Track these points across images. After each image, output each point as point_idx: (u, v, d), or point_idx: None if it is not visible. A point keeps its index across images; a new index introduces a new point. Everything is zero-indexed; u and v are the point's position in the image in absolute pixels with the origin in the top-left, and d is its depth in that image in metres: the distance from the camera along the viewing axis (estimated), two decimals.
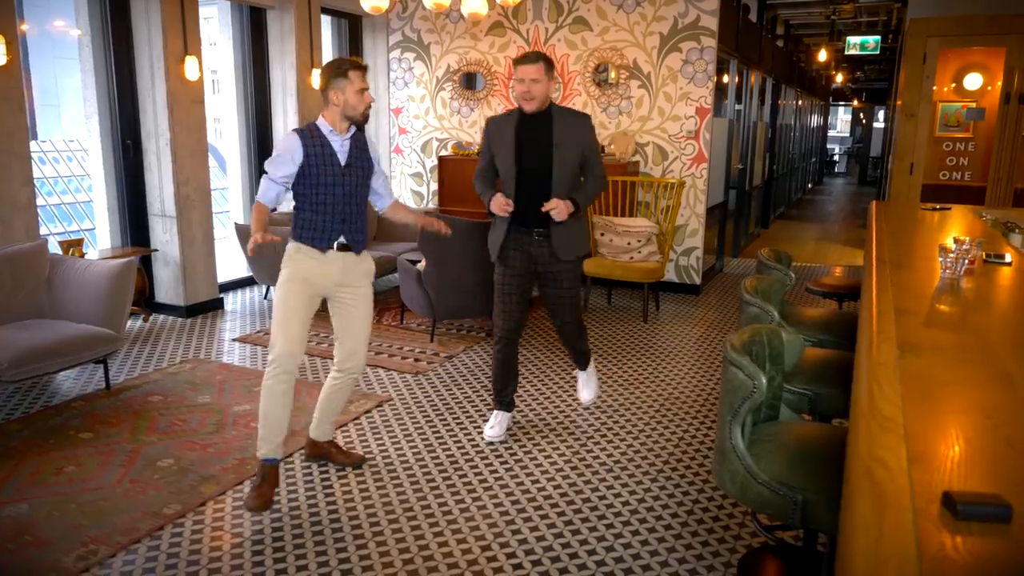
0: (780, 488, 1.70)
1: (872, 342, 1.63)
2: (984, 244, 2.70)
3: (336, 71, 3.07)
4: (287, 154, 3.08)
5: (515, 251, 3.56)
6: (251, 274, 6.61)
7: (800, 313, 3.30)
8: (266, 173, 3.12)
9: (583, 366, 4.05)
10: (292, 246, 3.19)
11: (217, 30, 7.00)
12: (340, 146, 3.15)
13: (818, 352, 2.70)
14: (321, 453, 3.49)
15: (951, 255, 2.32)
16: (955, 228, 3.67)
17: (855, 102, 23.89)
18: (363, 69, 3.12)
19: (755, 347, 1.94)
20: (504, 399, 3.84)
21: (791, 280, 2.97)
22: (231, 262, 7.14)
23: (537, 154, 3.43)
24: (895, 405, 1.23)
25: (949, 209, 4.32)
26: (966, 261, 2.30)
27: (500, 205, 3.43)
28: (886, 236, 3.24)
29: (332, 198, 3.14)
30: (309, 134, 3.11)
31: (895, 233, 3.42)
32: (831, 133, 26.58)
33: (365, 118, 3.15)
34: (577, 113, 3.55)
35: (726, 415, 1.81)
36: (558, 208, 3.36)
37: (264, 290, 6.69)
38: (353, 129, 3.18)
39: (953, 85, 7.49)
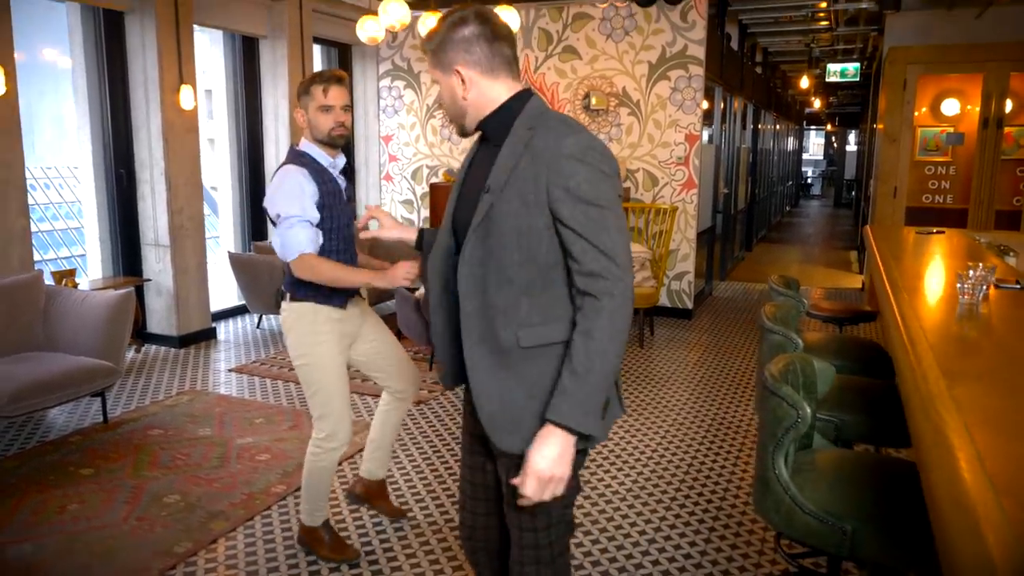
0: (827, 518, 1.71)
1: (915, 372, 1.65)
2: (995, 270, 2.75)
3: (300, 87, 2.68)
4: (300, 187, 2.59)
5: (465, 405, 1.94)
6: (243, 302, 6.55)
7: (805, 339, 3.33)
8: (292, 217, 2.57)
9: None
10: (303, 309, 2.69)
11: (207, 58, 7.00)
12: (339, 178, 2.74)
13: (836, 378, 2.73)
14: (370, 494, 3.17)
15: (968, 281, 2.36)
16: (954, 252, 3.74)
17: (828, 126, 24.37)
18: (329, 81, 2.63)
19: (790, 376, 1.96)
20: None
21: (804, 306, 3.01)
22: (221, 290, 7.07)
23: (462, 212, 1.75)
24: (963, 435, 1.25)
25: (943, 232, 4.41)
26: (985, 287, 2.36)
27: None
28: (891, 261, 3.30)
29: (341, 243, 2.73)
30: (312, 167, 2.64)
31: (898, 258, 3.48)
32: (805, 156, 27.06)
33: (334, 140, 2.66)
34: (558, 124, 1.63)
35: (768, 445, 1.82)
36: (526, 484, 1.58)
37: (256, 319, 6.63)
38: (342, 158, 2.77)
39: (924, 110, 7.69)
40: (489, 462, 1.86)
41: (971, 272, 2.38)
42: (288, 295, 2.72)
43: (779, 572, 2.88)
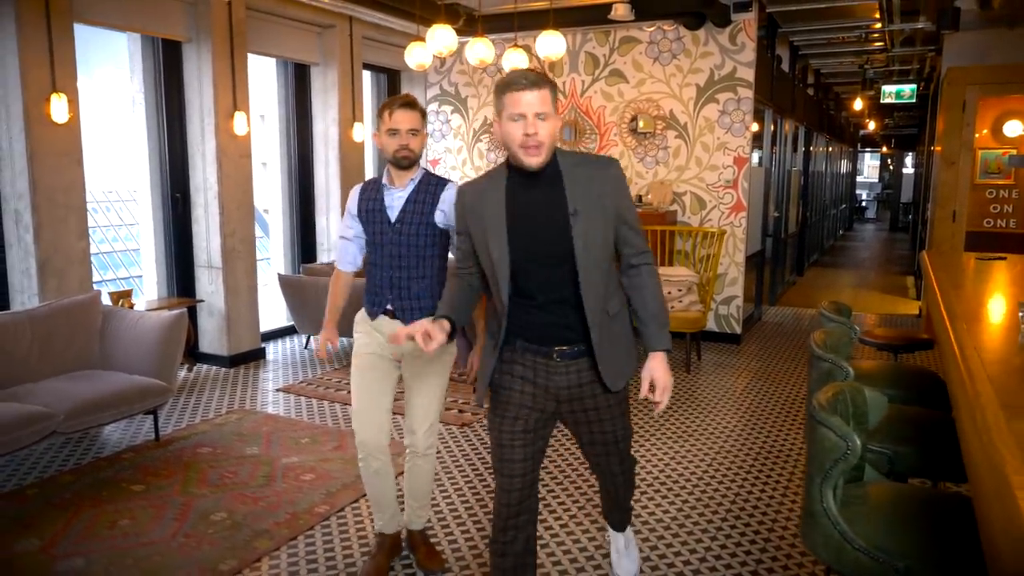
0: (879, 555, 1.64)
1: (972, 405, 1.58)
2: None
3: (378, 112, 2.83)
4: (349, 207, 2.96)
5: (522, 383, 2.29)
6: (292, 323, 6.66)
7: (860, 366, 3.23)
8: (341, 234, 3.01)
9: (621, 525, 2.85)
10: (360, 315, 2.99)
11: (259, 84, 7.20)
12: (392, 200, 2.82)
13: (890, 408, 2.64)
14: (409, 543, 3.14)
15: None
16: (1017, 279, 3.61)
17: (884, 148, 23.84)
18: (394, 105, 2.75)
19: (839, 405, 1.90)
20: None
21: (856, 333, 2.92)
22: (271, 310, 7.21)
23: (542, 233, 2.16)
24: (1023, 473, 1.19)
25: (1004, 259, 4.25)
26: None
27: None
28: (949, 288, 3.19)
29: (380, 258, 2.85)
30: (372, 185, 2.91)
31: (957, 285, 3.36)
32: (859, 179, 26.50)
33: (398, 161, 2.77)
34: (596, 159, 2.27)
35: (815, 477, 1.76)
36: (664, 396, 2.23)
37: (305, 340, 6.73)
38: (416, 180, 2.83)
39: (986, 131, 7.45)
40: (548, 427, 2.38)
41: None
42: None
43: None
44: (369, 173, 7.71)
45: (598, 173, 2.19)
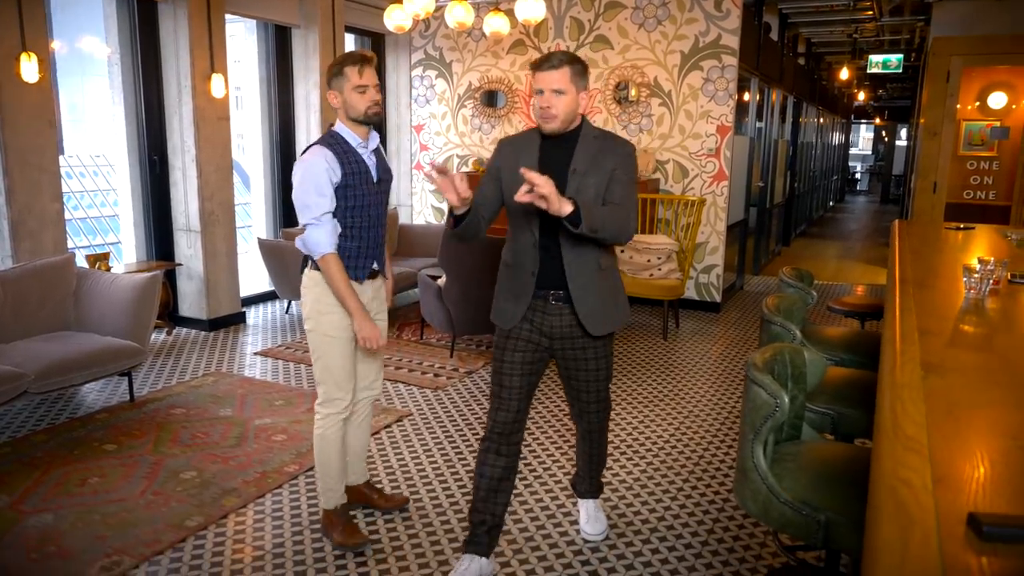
0: (803, 508, 1.69)
1: (895, 362, 1.62)
2: (1009, 264, 2.67)
3: (332, 69, 2.72)
4: (324, 177, 2.66)
5: (521, 320, 2.62)
6: (273, 288, 6.67)
7: (822, 332, 3.28)
8: (312, 215, 2.68)
9: (593, 492, 3.08)
10: (319, 279, 2.79)
11: (241, 47, 7.12)
12: (368, 159, 2.80)
13: (841, 372, 2.69)
14: (361, 498, 3.23)
15: (975, 275, 2.30)
16: (979, 248, 3.64)
17: (877, 120, 23.76)
18: (363, 62, 2.70)
19: (777, 366, 1.93)
20: (478, 534, 2.71)
21: (813, 299, 2.96)
22: (253, 276, 7.22)
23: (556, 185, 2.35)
24: (919, 425, 1.22)
25: (973, 228, 4.28)
26: (990, 281, 2.29)
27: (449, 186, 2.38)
28: (908, 255, 3.22)
29: (368, 220, 2.81)
30: (339, 147, 2.73)
31: (918, 252, 3.40)
32: (853, 151, 26.45)
33: (371, 118, 2.75)
34: (615, 136, 2.58)
35: (748, 434, 1.80)
36: (545, 189, 2.15)
37: (285, 304, 6.75)
38: (375, 138, 2.84)
39: (977, 103, 7.45)
40: (542, 362, 2.69)
41: (978, 266, 2.32)
42: (311, 263, 2.82)
43: (780, 565, 2.84)
44: None
45: (608, 144, 2.54)
